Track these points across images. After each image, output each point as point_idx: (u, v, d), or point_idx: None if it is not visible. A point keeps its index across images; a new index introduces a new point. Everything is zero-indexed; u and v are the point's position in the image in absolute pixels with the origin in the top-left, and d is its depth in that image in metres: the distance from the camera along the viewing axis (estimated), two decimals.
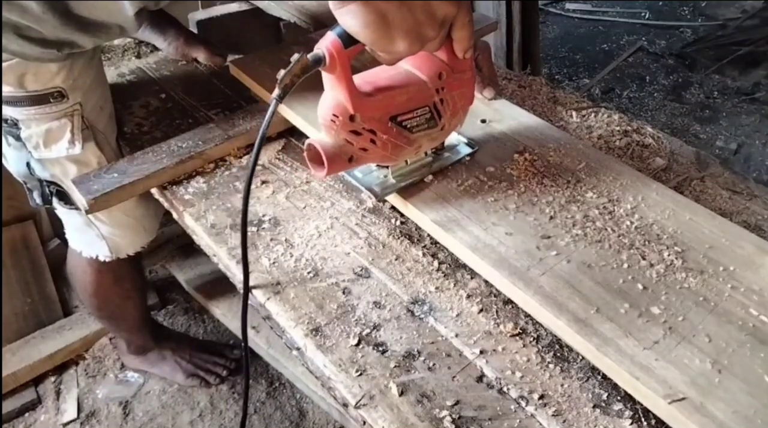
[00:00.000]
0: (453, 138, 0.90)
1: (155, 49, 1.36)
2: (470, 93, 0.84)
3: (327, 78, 0.72)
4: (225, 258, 0.83)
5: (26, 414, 1.64)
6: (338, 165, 0.76)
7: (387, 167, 0.84)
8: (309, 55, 0.67)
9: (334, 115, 0.73)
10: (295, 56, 0.67)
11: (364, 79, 0.76)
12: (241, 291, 0.82)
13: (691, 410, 0.58)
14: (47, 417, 1.63)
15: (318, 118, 0.75)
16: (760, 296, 0.69)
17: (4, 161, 1.08)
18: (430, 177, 0.86)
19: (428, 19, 0.68)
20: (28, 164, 1.06)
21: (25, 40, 0.86)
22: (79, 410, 1.65)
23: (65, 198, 1.11)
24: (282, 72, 0.67)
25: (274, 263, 0.81)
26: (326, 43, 0.68)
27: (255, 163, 0.70)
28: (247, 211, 0.73)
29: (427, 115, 0.80)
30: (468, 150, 0.91)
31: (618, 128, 1.07)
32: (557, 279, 0.71)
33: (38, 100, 0.97)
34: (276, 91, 0.67)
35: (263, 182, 0.95)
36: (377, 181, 0.85)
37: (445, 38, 0.72)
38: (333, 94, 0.73)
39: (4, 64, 0.91)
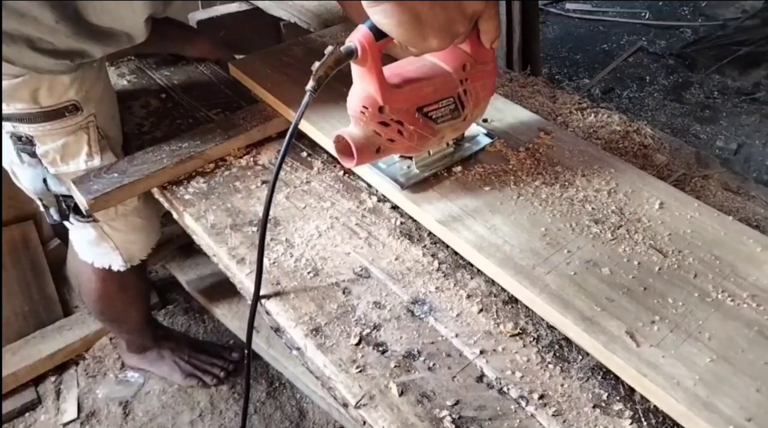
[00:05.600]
0: (473, 129, 0.91)
1: None
2: (492, 84, 0.85)
3: (357, 70, 0.73)
4: (225, 259, 0.83)
5: (26, 414, 1.63)
6: (366, 156, 0.77)
7: (410, 158, 0.85)
8: (342, 48, 0.68)
9: (364, 107, 0.74)
10: (329, 48, 0.68)
11: (392, 71, 0.77)
12: (241, 291, 0.82)
13: (700, 406, 0.58)
14: (47, 417, 1.63)
15: (348, 110, 0.76)
16: (764, 292, 0.69)
17: (15, 180, 1.07)
18: (448, 170, 0.86)
19: (459, 16, 0.69)
20: (44, 180, 1.04)
21: (38, 53, 0.85)
22: (79, 410, 1.65)
23: (81, 211, 1.10)
24: (316, 64, 0.67)
25: (274, 263, 0.81)
26: (358, 36, 0.69)
27: (282, 160, 0.69)
28: (267, 215, 0.72)
29: (451, 105, 0.81)
30: (488, 140, 0.91)
31: (618, 128, 1.07)
32: (563, 277, 0.71)
33: (53, 115, 0.95)
34: (310, 83, 0.67)
35: (263, 182, 0.95)
36: (401, 172, 0.86)
37: (471, 31, 0.73)
38: (363, 86, 0.74)
39: (17, 80, 0.89)
